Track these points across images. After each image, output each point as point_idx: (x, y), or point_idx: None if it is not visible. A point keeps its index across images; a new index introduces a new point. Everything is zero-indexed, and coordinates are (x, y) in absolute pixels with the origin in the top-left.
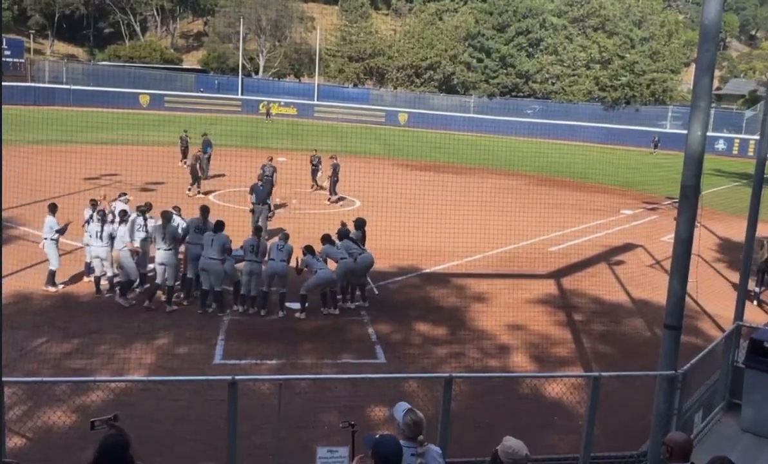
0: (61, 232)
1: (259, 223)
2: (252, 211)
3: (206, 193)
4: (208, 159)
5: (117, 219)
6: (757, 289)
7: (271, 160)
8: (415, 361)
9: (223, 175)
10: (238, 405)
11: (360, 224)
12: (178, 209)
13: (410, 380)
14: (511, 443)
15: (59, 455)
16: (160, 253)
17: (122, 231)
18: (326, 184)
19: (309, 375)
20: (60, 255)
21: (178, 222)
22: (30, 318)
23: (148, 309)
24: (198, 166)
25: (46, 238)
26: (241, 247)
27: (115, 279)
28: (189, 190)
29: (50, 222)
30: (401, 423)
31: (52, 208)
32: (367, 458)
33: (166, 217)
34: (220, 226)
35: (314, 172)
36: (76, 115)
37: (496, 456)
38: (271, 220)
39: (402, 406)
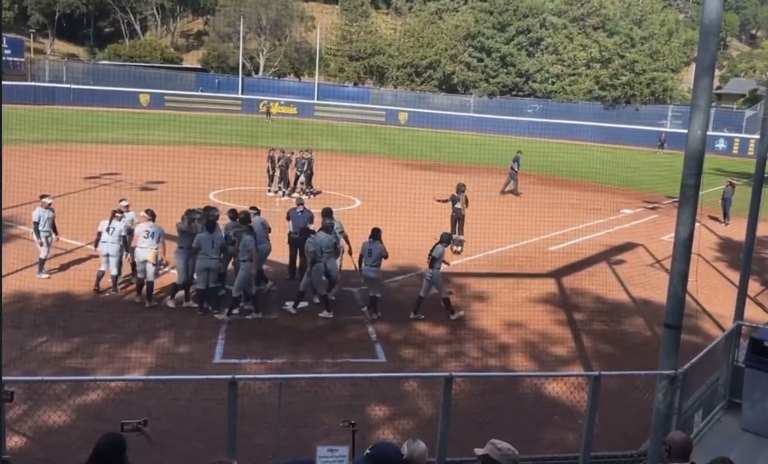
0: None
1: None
2: (289, 241)
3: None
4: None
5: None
6: (456, 236)
7: (302, 151)
8: (415, 361)
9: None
10: (238, 405)
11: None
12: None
13: (410, 379)
14: (503, 444)
15: (59, 455)
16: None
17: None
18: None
19: (309, 375)
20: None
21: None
22: (30, 317)
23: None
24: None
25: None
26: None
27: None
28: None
29: (118, 227)
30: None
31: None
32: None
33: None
34: (212, 225)
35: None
36: (77, 114)
37: (489, 460)
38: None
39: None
